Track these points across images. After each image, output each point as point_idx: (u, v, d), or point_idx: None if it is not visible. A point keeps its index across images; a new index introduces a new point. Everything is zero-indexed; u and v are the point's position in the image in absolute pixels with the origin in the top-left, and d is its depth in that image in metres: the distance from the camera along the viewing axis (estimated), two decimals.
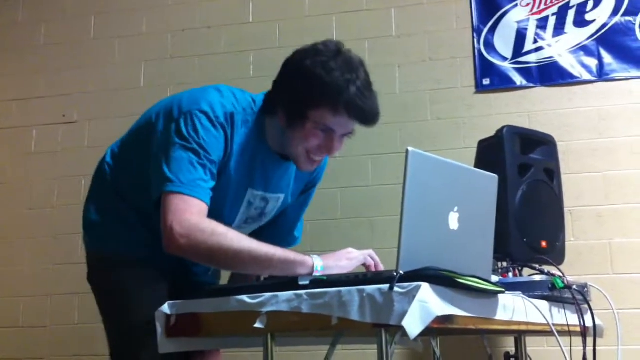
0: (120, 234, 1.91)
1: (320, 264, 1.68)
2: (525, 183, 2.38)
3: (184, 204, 1.67)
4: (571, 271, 2.18)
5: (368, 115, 1.76)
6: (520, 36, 3.35)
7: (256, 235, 2.05)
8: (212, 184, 1.74)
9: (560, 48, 3.31)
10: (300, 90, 1.77)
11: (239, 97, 1.86)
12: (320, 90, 1.73)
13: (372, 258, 1.84)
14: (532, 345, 2.37)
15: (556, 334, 1.76)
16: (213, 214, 1.75)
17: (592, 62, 3.27)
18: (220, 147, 1.78)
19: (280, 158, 1.92)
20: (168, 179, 1.69)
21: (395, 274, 1.42)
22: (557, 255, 2.41)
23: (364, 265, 1.83)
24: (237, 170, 1.84)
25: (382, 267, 1.84)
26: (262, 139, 1.88)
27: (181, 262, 1.83)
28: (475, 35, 3.40)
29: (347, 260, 1.77)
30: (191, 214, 1.66)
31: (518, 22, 3.36)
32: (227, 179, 1.83)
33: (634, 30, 3.26)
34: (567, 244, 2.53)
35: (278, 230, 2.12)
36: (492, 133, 2.48)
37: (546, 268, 2.13)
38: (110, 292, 1.91)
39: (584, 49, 3.29)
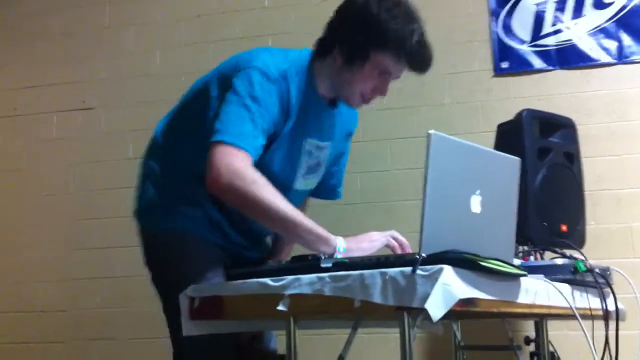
0: (179, 210, 1.92)
1: (343, 246, 1.72)
2: (545, 167, 2.36)
3: (232, 150, 1.72)
4: (592, 255, 2.16)
5: (425, 65, 1.88)
6: (539, 19, 3.32)
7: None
8: (261, 140, 1.79)
9: (579, 30, 3.28)
10: (366, 33, 1.82)
11: (287, 54, 1.93)
12: (387, 36, 1.80)
13: (395, 239, 1.85)
14: (553, 329, 2.36)
15: (578, 317, 1.75)
16: (278, 167, 1.88)
17: (612, 45, 3.24)
18: (274, 101, 1.82)
19: (327, 105, 1.97)
20: (218, 130, 1.74)
21: (417, 256, 1.42)
22: (577, 239, 2.40)
23: (388, 246, 1.84)
24: (296, 123, 1.89)
25: (407, 246, 1.84)
26: (313, 88, 1.92)
27: (238, 239, 1.90)
28: (492, 18, 3.37)
29: (369, 242, 1.80)
30: (238, 159, 1.71)
31: (536, 5, 3.33)
32: (289, 132, 1.88)
33: None
34: (587, 227, 2.51)
35: (324, 185, 2.18)
36: (510, 117, 2.47)
37: (567, 252, 2.12)
38: (166, 268, 1.91)
39: (604, 31, 3.25)
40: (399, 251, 1.84)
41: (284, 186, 1.92)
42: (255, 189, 1.70)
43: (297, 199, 2.04)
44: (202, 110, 1.86)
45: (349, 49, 1.85)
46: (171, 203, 1.93)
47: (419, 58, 1.85)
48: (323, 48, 1.92)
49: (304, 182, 2.02)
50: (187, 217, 1.91)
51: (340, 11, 1.90)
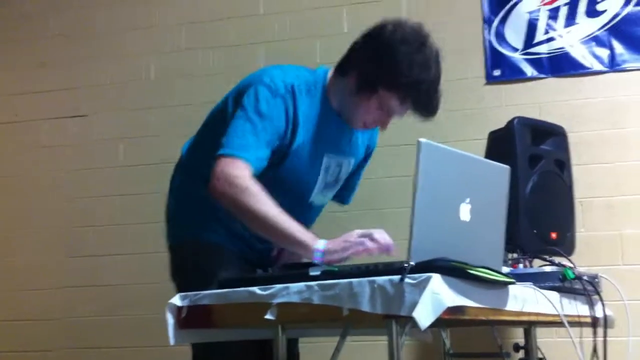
0: (202, 222, 2.00)
1: (320, 251, 1.75)
2: (536, 174, 2.37)
3: (232, 160, 1.82)
4: (581, 262, 2.17)
5: (428, 113, 1.94)
6: (531, 27, 3.33)
7: None
8: (265, 151, 1.87)
9: (571, 38, 3.29)
10: (379, 69, 1.88)
11: (300, 71, 2.01)
12: (397, 80, 1.86)
13: (375, 239, 1.78)
14: (542, 336, 2.37)
15: (567, 324, 1.76)
16: (294, 182, 1.96)
17: (604, 53, 3.25)
18: (280, 116, 1.90)
19: (345, 122, 2.02)
20: (222, 144, 1.86)
21: (406, 265, 1.42)
22: (567, 246, 2.40)
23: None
24: (310, 138, 1.96)
25: (389, 246, 1.78)
26: (329, 105, 1.99)
27: (260, 246, 1.96)
28: (485, 25, 3.39)
29: (344, 243, 1.77)
30: (235, 168, 1.81)
31: (529, 13, 3.34)
32: (302, 147, 1.95)
33: None
34: (577, 235, 2.52)
35: (339, 192, 2.23)
36: (502, 124, 2.47)
37: (556, 259, 2.13)
38: (193, 277, 1.95)
39: (596, 40, 3.26)
40: (376, 252, 1.78)
41: (301, 200, 2.02)
42: (245, 196, 1.78)
43: (314, 213, 2.13)
44: (221, 127, 1.93)
45: (361, 78, 1.91)
46: (193, 216, 2.02)
47: (423, 106, 1.91)
48: (341, 67, 1.98)
49: (321, 197, 2.09)
50: (209, 228, 1.99)
51: (365, 37, 1.95)
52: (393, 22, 1.93)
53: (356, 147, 2.13)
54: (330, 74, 2.03)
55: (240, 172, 1.80)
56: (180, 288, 1.96)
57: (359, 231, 1.81)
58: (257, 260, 2.05)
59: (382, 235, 1.79)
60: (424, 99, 1.89)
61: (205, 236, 2.00)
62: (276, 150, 1.91)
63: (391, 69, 1.86)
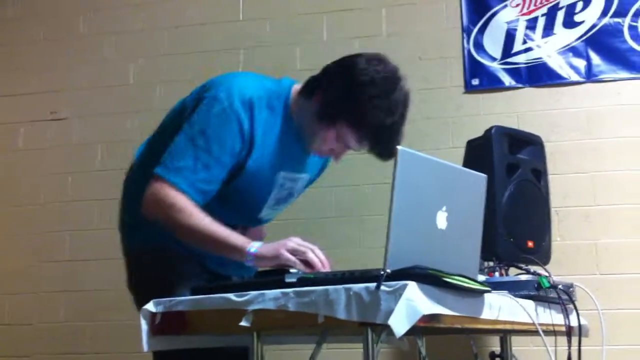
0: (154, 229, 1.91)
1: (252, 255, 1.74)
2: (513, 183, 2.38)
3: (162, 184, 1.81)
4: (557, 271, 2.18)
5: (383, 156, 1.86)
6: (510, 37, 3.36)
7: None
8: (202, 174, 1.81)
9: (549, 49, 3.32)
10: (342, 103, 1.83)
11: (264, 82, 1.94)
12: (359, 119, 1.82)
13: (309, 259, 1.72)
14: (518, 344, 2.38)
15: (542, 333, 1.77)
16: (246, 198, 1.92)
17: (581, 63, 3.29)
18: (233, 134, 1.83)
19: (301, 138, 1.96)
20: (161, 162, 1.83)
21: (382, 272, 1.42)
22: (543, 255, 2.42)
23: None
24: (267, 153, 1.90)
25: (322, 264, 1.73)
26: (289, 120, 1.93)
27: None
28: (464, 35, 3.41)
29: (276, 252, 1.73)
30: (164, 190, 1.80)
31: (507, 23, 3.38)
32: (258, 162, 1.88)
33: (622, 32, 3.27)
34: (553, 244, 2.54)
35: None
36: (480, 133, 2.48)
37: (532, 268, 2.14)
38: (149, 288, 1.89)
39: (573, 50, 3.30)
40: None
41: (250, 216, 1.99)
42: (173, 213, 1.78)
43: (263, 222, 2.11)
44: (173, 135, 1.87)
45: (324, 106, 1.85)
46: (146, 223, 1.93)
47: (379, 149, 1.85)
48: (308, 88, 1.91)
49: (270, 212, 2.05)
50: (162, 235, 1.90)
51: (338, 65, 1.89)
52: (368, 57, 1.85)
53: (313, 163, 2.08)
54: (295, 88, 1.95)
55: (165, 193, 1.79)
56: (139, 299, 1.93)
57: (297, 240, 1.75)
58: (215, 267, 2.00)
59: (318, 255, 1.73)
60: (382, 143, 1.83)
61: (162, 243, 1.92)
62: (230, 167, 1.85)
63: (354, 108, 1.81)
